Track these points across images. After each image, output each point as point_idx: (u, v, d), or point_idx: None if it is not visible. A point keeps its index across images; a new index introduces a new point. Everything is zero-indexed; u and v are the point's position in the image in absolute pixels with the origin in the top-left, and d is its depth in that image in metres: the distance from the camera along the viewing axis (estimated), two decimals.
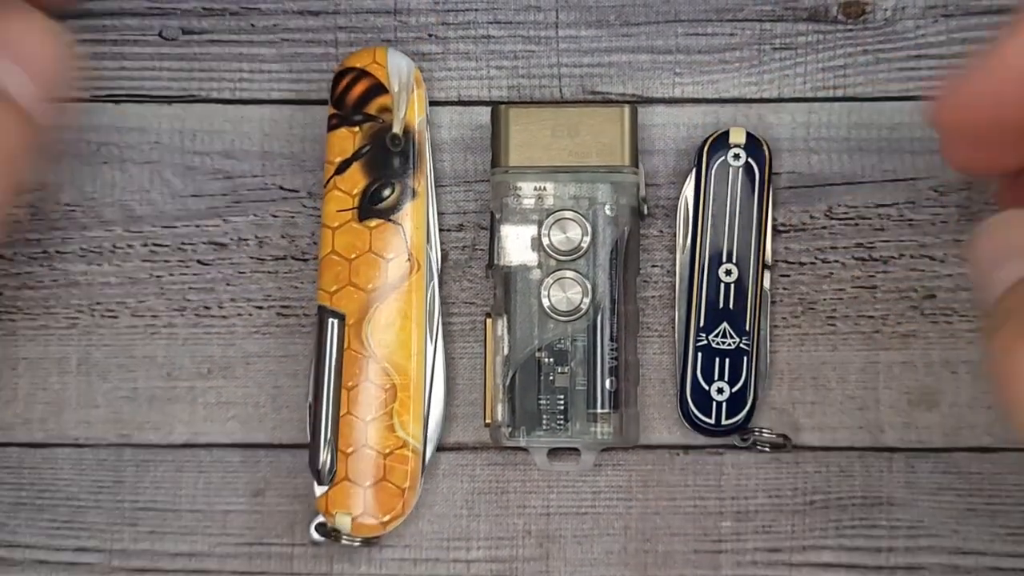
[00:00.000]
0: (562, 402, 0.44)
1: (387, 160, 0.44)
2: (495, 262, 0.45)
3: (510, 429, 0.44)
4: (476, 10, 0.46)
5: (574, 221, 0.44)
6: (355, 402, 0.44)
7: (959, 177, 0.45)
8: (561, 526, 0.45)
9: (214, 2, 0.46)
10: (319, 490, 0.44)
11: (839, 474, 0.45)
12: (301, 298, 0.46)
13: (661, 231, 0.46)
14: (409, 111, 0.45)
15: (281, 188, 0.46)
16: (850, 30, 0.46)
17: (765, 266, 0.45)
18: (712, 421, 0.44)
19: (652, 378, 0.45)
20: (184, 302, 0.46)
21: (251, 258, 0.46)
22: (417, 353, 0.44)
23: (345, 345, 0.44)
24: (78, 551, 0.45)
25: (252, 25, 0.46)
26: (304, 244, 0.46)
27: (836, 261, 0.46)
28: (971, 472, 0.45)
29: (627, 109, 0.45)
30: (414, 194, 0.44)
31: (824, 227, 0.46)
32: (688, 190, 0.45)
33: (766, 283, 0.45)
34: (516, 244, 0.44)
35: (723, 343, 0.44)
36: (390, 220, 0.44)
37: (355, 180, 0.44)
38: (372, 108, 0.45)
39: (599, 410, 0.44)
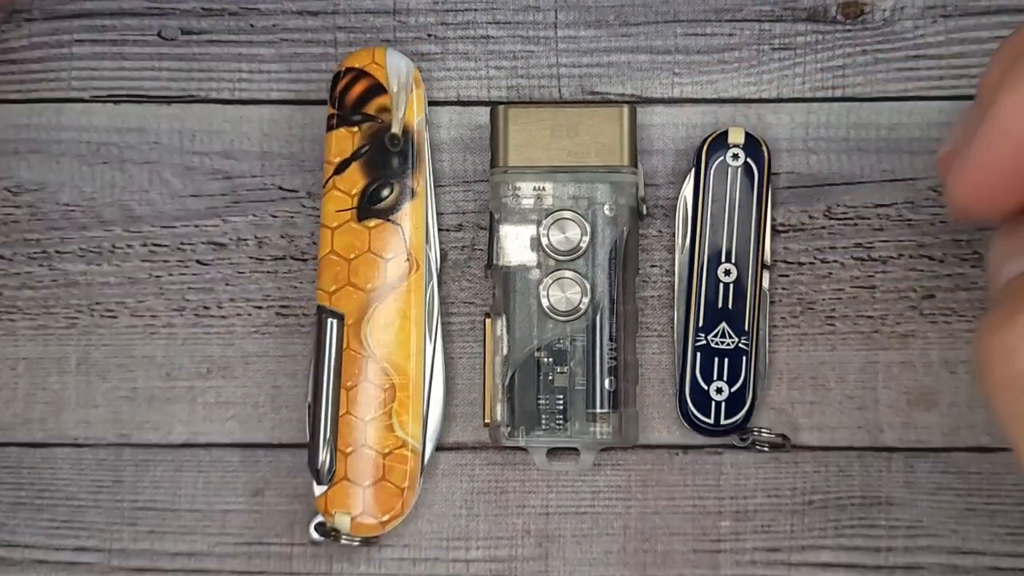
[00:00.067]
0: (561, 402, 0.44)
1: (386, 160, 0.44)
2: (494, 262, 0.45)
3: (509, 429, 0.44)
4: (475, 10, 0.46)
5: (573, 221, 0.44)
6: (354, 402, 0.44)
7: None
8: (560, 526, 0.45)
9: (213, 2, 0.46)
10: (318, 490, 0.44)
11: (838, 474, 0.45)
12: (300, 298, 0.46)
13: (660, 231, 0.46)
14: (408, 111, 0.45)
15: (280, 188, 0.46)
16: (849, 30, 0.46)
17: (764, 266, 0.45)
18: (711, 421, 0.44)
19: (651, 378, 0.45)
20: (183, 302, 0.46)
21: (250, 258, 0.46)
22: (416, 353, 0.44)
23: (344, 345, 0.44)
24: (77, 551, 0.45)
25: (251, 25, 0.46)
26: (303, 244, 0.46)
27: (835, 261, 0.46)
28: (970, 472, 0.45)
29: (626, 109, 0.45)
30: (413, 194, 0.44)
31: (823, 227, 0.46)
32: (687, 190, 0.45)
33: (765, 283, 0.45)
34: (515, 244, 0.44)
35: (722, 343, 0.45)
36: (389, 220, 0.44)
37: (354, 180, 0.44)
38: (371, 108, 0.45)
39: (598, 410, 0.44)
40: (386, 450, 0.44)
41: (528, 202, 0.44)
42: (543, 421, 0.44)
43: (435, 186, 0.45)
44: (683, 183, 0.45)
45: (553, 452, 0.45)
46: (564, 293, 0.44)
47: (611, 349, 0.44)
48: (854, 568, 0.45)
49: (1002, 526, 0.45)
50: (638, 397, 0.45)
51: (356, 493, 0.44)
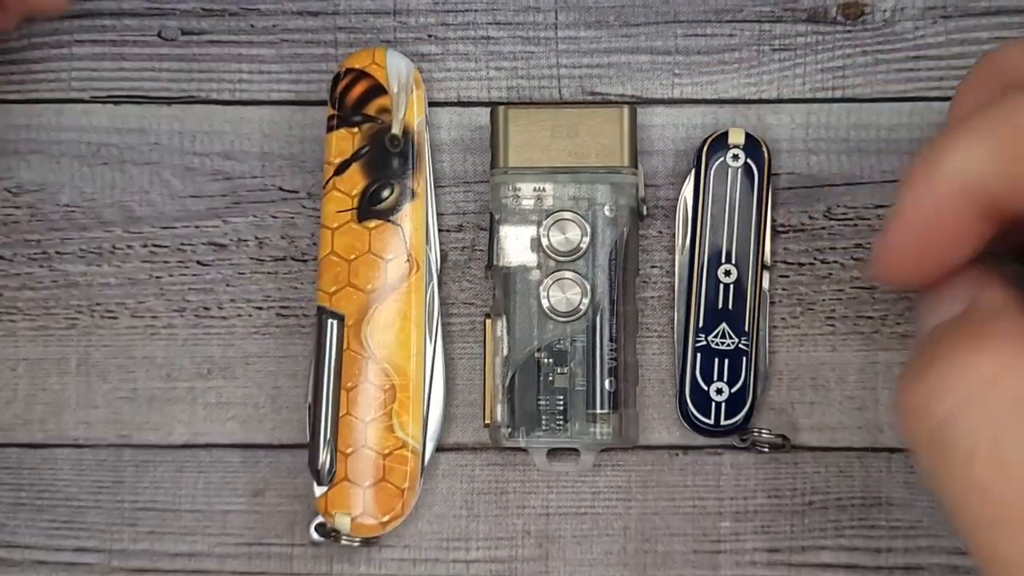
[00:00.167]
0: (561, 402, 0.44)
1: (386, 161, 0.44)
2: (494, 263, 0.45)
3: (509, 429, 0.44)
4: (475, 11, 0.46)
5: (573, 222, 0.44)
6: (354, 403, 0.44)
7: None
8: (560, 526, 0.45)
9: (213, 3, 0.46)
10: (319, 490, 0.44)
11: (838, 474, 0.45)
12: (300, 299, 0.46)
13: (660, 232, 0.46)
14: (408, 112, 0.45)
15: (281, 189, 0.46)
16: (849, 31, 0.46)
17: (764, 267, 0.45)
18: (711, 421, 0.44)
19: (651, 378, 0.45)
20: (184, 303, 0.46)
21: (251, 259, 0.46)
22: (416, 354, 0.44)
23: (344, 346, 0.44)
24: (78, 551, 0.45)
25: (251, 26, 0.46)
26: (303, 245, 0.46)
27: (835, 262, 0.46)
28: None
29: (626, 110, 0.45)
30: (413, 195, 0.44)
31: (823, 228, 0.46)
32: (687, 191, 0.45)
33: (765, 284, 0.45)
34: (515, 245, 0.44)
35: (722, 344, 0.45)
36: (389, 221, 0.44)
37: (354, 181, 0.44)
38: (371, 109, 0.45)
39: (598, 410, 0.44)
40: (386, 451, 0.44)
41: (528, 203, 0.44)
42: (543, 422, 0.44)
43: (435, 187, 0.46)
44: (683, 184, 0.45)
45: (553, 453, 0.45)
46: (564, 294, 0.44)
47: (611, 350, 0.44)
48: (854, 568, 0.45)
49: None
50: (638, 398, 0.45)
51: (356, 494, 0.44)
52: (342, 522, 0.44)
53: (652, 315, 0.46)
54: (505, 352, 0.44)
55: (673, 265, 0.46)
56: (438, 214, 0.45)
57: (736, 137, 0.45)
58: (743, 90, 0.46)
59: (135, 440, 0.46)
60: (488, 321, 0.45)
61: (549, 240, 0.44)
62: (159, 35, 0.46)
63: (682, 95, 0.46)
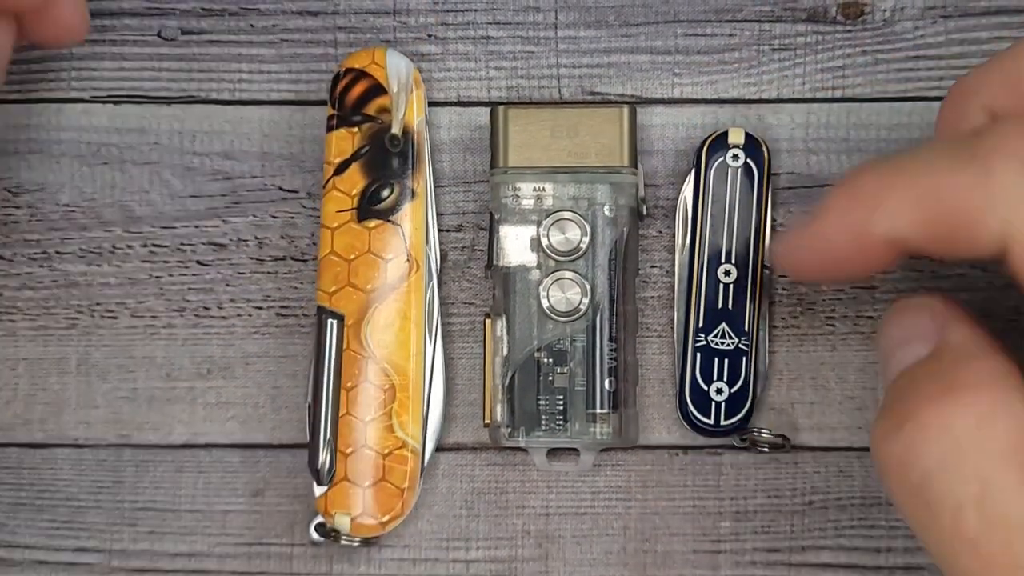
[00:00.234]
0: (561, 402, 0.44)
1: (386, 161, 0.44)
2: (494, 262, 0.45)
3: (509, 429, 0.44)
4: (475, 11, 0.46)
5: (573, 222, 0.44)
6: (354, 402, 0.44)
7: None
8: (560, 526, 0.45)
9: (213, 2, 0.46)
10: (318, 490, 0.44)
11: (838, 474, 0.45)
12: (300, 299, 0.46)
13: (660, 231, 0.46)
14: (408, 112, 0.45)
15: (280, 189, 0.46)
16: (849, 31, 0.46)
17: (764, 266, 0.45)
18: (711, 421, 0.44)
19: (651, 378, 0.45)
20: (183, 303, 0.46)
21: (250, 259, 0.46)
22: (416, 353, 0.44)
23: (344, 346, 0.44)
24: (78, 551, 0.45)
25: (251, 25, 0.46)
26: (303, 245, 0.46)
27: None
28: None
29: (626, 110, 0.45)
30: (413, 195, 0.44)
31: None
32: (687, 190, 0.45)
33: (765, 284, 0.45)
34: (515, 244, 0.44)
35: (722, 343, 0.45)
36: (389, 221, 0.44)
37: (354, 181, 0.44)
38: (371, 109, 0.45)
39: (598, 410, 0.44)
40: (386, 451, 0.44)
41: (528, 203, 0.44)
42: (543, 422, 0.44)
43: (435, 186, 0.45)
44: (683, 183, 0.45)
45: (553, 452, 0.45)
46: (564, 294, 0.44)
47: (611, 350, 0.44)
48: (854, 568, 0.45)
49: None
50: (638, 397, 0.45)
51: (356, 494, 0.44)
52: (342, 522, 0.44)
53: (652, 315, 0.46)
54: (505, 352, 0.44)
55: (673, 265, 0.46)
56: (438, 214, 0.45)
57: (736, 137, 0.45)
58: (743, 90, 0.46)
59: (135, 440, 0.46)
60: (488, 321, 0.45)
61: (549, 240, 0.44)
62: (159, 35, 0.46)
63: (682, 95, 0.46)
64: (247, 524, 0.45)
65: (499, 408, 0.44)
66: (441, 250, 0.45)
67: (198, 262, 0.46)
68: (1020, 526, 0.33)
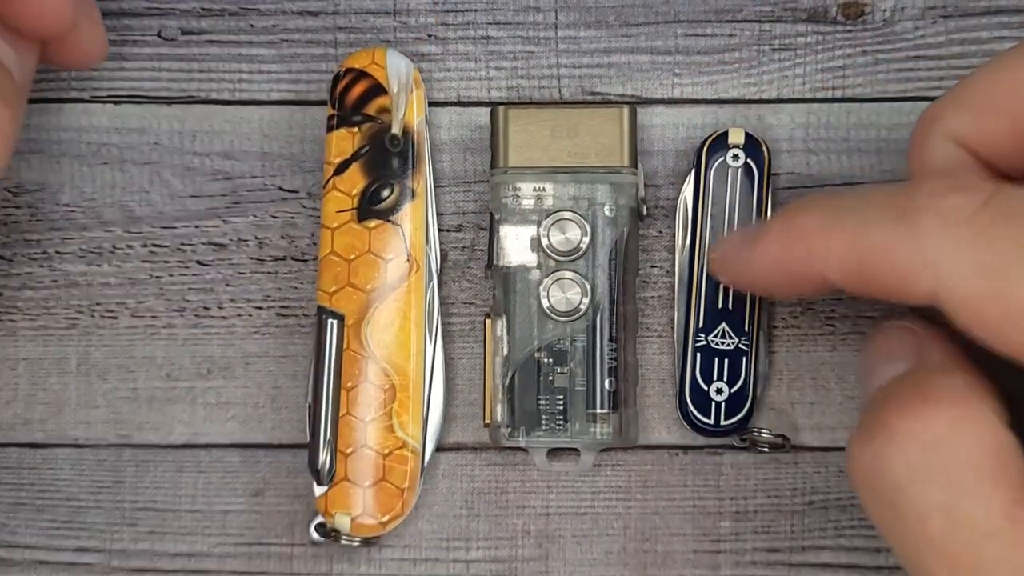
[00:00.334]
0: (561, 402, 0.44)
1: (386, 161, 0.44)
2: (494, 262, 0.45)
3: (509, 429, 0.44)
4: (475, 11, 0.46)
5: (573, 222, 0.44)
6: (354, 402, 0.44)
7: None
8: (560, 526, 0.45)
9: (213, 2, 0.46)
10: (318, 490, 0.44)
11: (838, 474, 0.45)
12: (300, 299, 0.46)
13: (660, 232, 0.46)
14: (408, 112, 0.45)
15: (280, 189, 0.46)
16: (849, 31, 0.46)
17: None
18: (711, 421, 0.44)
19: (651, 378, 0.45)
20: (184, 303, 0.46)
21: (251, 259, 0.46)
22: (416, 353, 0.44)
23: (344, 345, 0.44)
24: (78, 551, 0.45)
25: (251, 25, 0.46)
26: (303, 245, 0.46)
27: None
28: None
29: (626, 110, 0.45)
30: (413, 195, 0.44)
31: None
32: (687, 191, 0.45)
33: None
34: (515, 244, 0.44)
35: (722, 343, 0.45)
36: (389, 221, 0.44)
37: (354, 181, 0.44)
38: (371, 109, 0.45)
39: (598, 410, 0.44)
40: (386, 451, 0.44)
41: (528, 203, 0.44)
42: (543, 421, 0.44)
43: (435, 187, 0.46)
44: (683, 184, 0.45)
45: (553, 452, 0.45)
46: (564, 293, 0.44)
47: (611, 350, 0.44)
48: (854, 568, 0.45)
49: None
50: (638, 397, 0.45)
51: (356, 494, 0.44)
52: (342, 522, 0.44)
53: (652, 315, 0.46)
54: (505, 352, 0.44)
55: (673, 265, 0.46)
56: (438, 214, 0.45)
57: (736, 137, 0.45)
58: (743, 90, 0.46)
59: (135, 440, 0.46)
60: (488, 321, 0.45)
61: (549, 240, 0.44)
62: (159, 35, 0.46)
63: (682, 95, 0.46)
64: (247, 524, 0.45)
65: (499, 408, 0.44)
66: (441, 250, 0.45)
67: (198, 262, 0.46)
68: (985, 531, 0.34)
